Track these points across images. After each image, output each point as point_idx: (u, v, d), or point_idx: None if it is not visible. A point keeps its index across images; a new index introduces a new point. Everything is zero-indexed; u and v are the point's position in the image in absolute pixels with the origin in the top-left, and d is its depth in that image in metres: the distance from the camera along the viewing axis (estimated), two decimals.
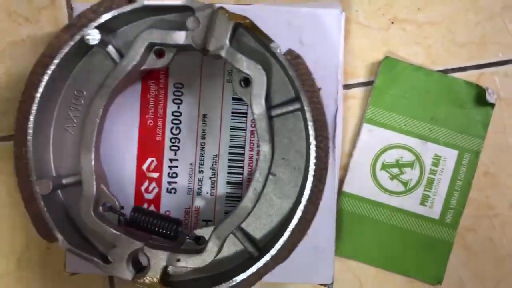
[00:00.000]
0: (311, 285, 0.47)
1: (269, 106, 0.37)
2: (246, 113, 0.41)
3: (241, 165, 0.41)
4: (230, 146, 0.41)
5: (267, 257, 0.36)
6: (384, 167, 0.47)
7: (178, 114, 0.41)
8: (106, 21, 0.36)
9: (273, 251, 0.35)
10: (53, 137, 0.38)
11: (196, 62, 0.41)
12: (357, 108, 0.48)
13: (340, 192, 0.47)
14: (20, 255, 0.47)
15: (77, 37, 0.36)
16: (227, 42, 0.36)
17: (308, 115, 0.35)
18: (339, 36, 0.41)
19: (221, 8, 0.35)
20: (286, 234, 0.35)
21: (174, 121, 0.41)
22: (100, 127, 0.38)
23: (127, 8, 0.36)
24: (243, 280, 0.36)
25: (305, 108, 0.35)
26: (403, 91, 0.47)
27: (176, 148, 0.41)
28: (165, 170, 0.41)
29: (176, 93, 0.41)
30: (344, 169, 0.47)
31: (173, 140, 0.41)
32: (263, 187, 0.37)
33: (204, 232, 0.38)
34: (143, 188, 0.41)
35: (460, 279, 0.47)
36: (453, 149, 0.47)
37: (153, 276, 0.36)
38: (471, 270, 0.47)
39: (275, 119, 0.37)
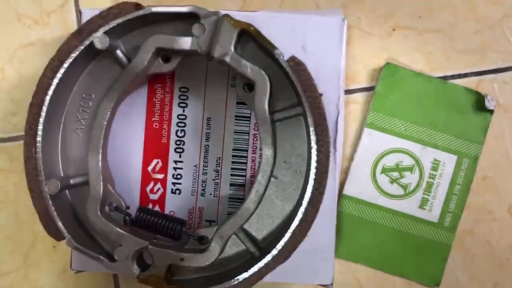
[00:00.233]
0: (311, 285, 0.48)
1: (272, 111, 0.38)
2: (249, 117, 0.42)
3: (244, 167, 0.42)
4: (233, 149, 0.42)
5: (268, 257, 0.36)
6: (384, 170, 0.48)
7: (183, 117, 0.42)
8: (115, 26, 0.37)
9: (274, 252, 0.36)
10: (61, 139, 0.39)
11: (201, 67, 0.42)
12: (358, 113, 0.48)
13: (340, 195, 0.48)
14: (27, 252, 0.48)
15: (86, 42, 0.37)
16: (232, 48, 0.37)
17: (310, 120, 0.36)
18: (341, 43, 0.42)
19: (226, 15, 0.37)
20: (287, 235, 0.36)
21: (179, 124, 0.42)
22: (107, 129, 0.39)
23: (135, 14, 0.37)
24: (245, 279, 0.37)
25: (307, 113, 0.36)
26: (404, 97, 0.48)
27: (181, 150, 0.42)
28: (170, 171, 0.42)
29: (181, 97, 0.42)
30: (345, 173, 0.48)
31: (178, 143, 0.42)
32: (265, 189, 0.38)
33: (207, 232, 0.39)
34: (148, 189, 0.42)
35: (458, 282, 0.48)
36: (452, 154, 0.48)
37: (157, 274, 0.37)
38: (469, 273, 0.48)
39: (277, 124, 0.38)
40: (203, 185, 0.42)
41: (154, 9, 0.37)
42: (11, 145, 0.48)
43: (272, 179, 0.38)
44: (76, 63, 0.37)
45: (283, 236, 0.37)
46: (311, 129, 0.36)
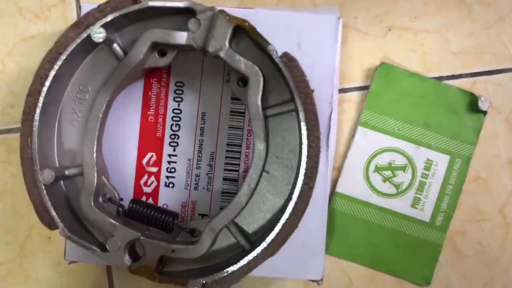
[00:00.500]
0: (302, 280, 0.49)
1: (265, 106, 0.38)
2: (243, 113, 0.43)
3: (237, 162, 0.43)
4: (227, 144, 0.43)
5: (258, 250, 0.37)
6: (377, 169, 0.48)
7: (178, 111, 0.43)
8: (112, 20, 0.37)
9: (264, 245, 0.37)
10: (57, 130, 0.40)
11: (197, 62, 0.43)
12: (353, 112, 0.49)
13: (333, 193, 0.48)
14: (23, 243, 0.49)
15: (84, 35, 0.37)
16: (227, 43, 0.37)
17: (301, 115, 0.37)
18: (336, 42, 0.42)
19: (222, 11, 0.37)
20: (277, 228, 0.37)
21: (174, 118, 0.43)
22: (103, 122, 0.39)
23: (132, 8, 0.37)
24: (234, 271, 0.37)
25: (298, 108, 0.37)
26: (398, 96, 0.48)
27: (175, 144, 0.43)
28: (164, 165, 0.43)
29: (177, 92, 0.43)
30: (338, 170, 0.48)
31: (172, 137, 0.43)
32: (257, 183, 0.38)
33: (199, 225, 0.40)
34: (142, 181, 0.43)
35: (449, 281, 0.48)
36: (445, 154, 0.48)
37: (149, 265, 0.38)
38: (460, 272, 0.49)
39: (270, 119, 0.39)
40: (197, 179, 0.43)
41: (151, 3, 0.37)
42: (9, 137, 0.49)
43: (264, 173, 0.39)
44: (74, 55, 0.38)
45: (272, 229, 0.37)
46: (302, 124, 0.37)
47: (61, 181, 0.40)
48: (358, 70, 0.49)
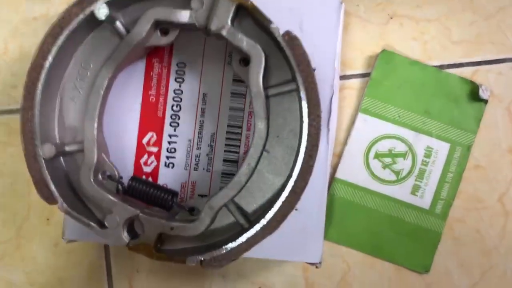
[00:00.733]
0: (301, 264, 0.48)
1: (266, 86, 0.38)
2: (245, 95, 0.43)
3: (238, 144, 0.43)
4: (228, 126, 0.43)
5: (257, 227, 0.37)
6: (377, 156, 0.48)
7: (180, 92, 0.43)
8: None
9: (263, 222, 0.37)
10: (58, 106, 0.40)
11: (199, 43, 0.43)
12: (354, 98, 0.49)
13: (333, 179, 0.48)
14: (21, 224, 0.49)
15: (87, 11, 0.38)
16: (229, 22, 0.37)
17: (302, 94, 0.37)
18: (337, 25, 0.43)
19: None
20: (276, 205, 0.37)
21: (175, 99, 0.43)
22: (104, 99, 0.39)
23: None
24: (233, 248, 0.37)
25: (300, 86, 0.37)
26: (399, 84, 0.48)
27: (176, 124, 0.43)
28: (164, 145, 0.43)
29: (178, 72, 0.43)
30: (338, 157, 0.48)
31: (173, 117, 0.43)
32: (257, 163, 0.38)
33: (198, 203, 0.40)
34: (142, 161, 0.43)
35: (447, 269, 0.48)
36: (446, 142, 0.48)
37: (147, 242, 0.38)
38: (459, 260, 0.48)
39: (271, 99, 0.39)
40: (197, 160, 0.43)
41: None
42: (9, 118, 0.49)
43: (264, 153, 0.39)
44: (76, 32, 0.38)
45: (272, 207, 0.37)
46: (304, 102, 0.37)
47: (61, 158, 0.40)
48: (360, 57, 0.49)
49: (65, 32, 0.38)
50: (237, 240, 0.37)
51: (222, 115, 0.43)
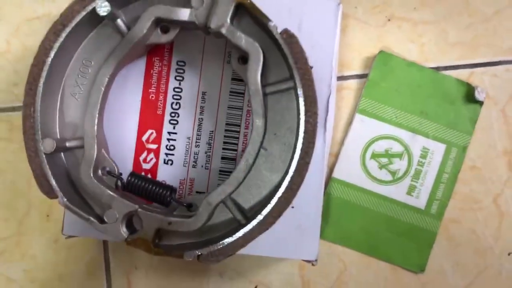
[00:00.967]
0: (297, 262, 0.49)
1: (265, 84, 0.39)
2: (243, 93, 0.44)
3: (236, 142, 0.44)
4: (226, 124, 0.44)
5: (254, 223, 0.37)
6: (374, 156, 0.49)
7: (179, 90, 0.44)
8: None
9: (260, 217, 0.37)
10: (60, 102, 0.40)
11: (199, 42, 0.44)
12: (351, 99, 0.50)
13: (330, 178, 0.49)
14: (21, 220, 0.49)
15: (89, 8, 0.38)
16: (228, 20, 0.38)
17: (299, 91, 0.37)
18: (335, 25, 0.43)
19: None
20: (273, 201, 0.37)
21: (175, 97, 0.44)
22: (104, 96, 0.40)
23: None
24: (230, 243, 0.37)
25: (297, 84, 0.37)
26: (396, 85, 0.49)
27: (175, 122, 0.43)
28: (164, 142, 0.43)
29: (178, 70, 0.44)
30: (335, 156, 0.49)
31: (172, 115, 0.44)
32: (255, 159, 0.39)
33: (196, 200, 0.40)
34: (141, 158, 0.43)
35: (442, 268, 0.49)
36: (441, 143, 0.49)
37: (145, 237, 0.38)
38: (454, 260, 0.49)
39: (269, 96, 0.39)
40: (195, 157, 0.44)
41: None
42: (12, 115, 0.50)
43: (262, 150, 0.39)
44: (78, 29, 0.39)
45: (269, 203, 0.38)
46: (301, 99, 0.38)
47: (62, 153, 0.40)
48: (358, 58, 0.50)
49: (67, 29, 0.38)
50: (234, 236, 0.38)
51: (221, 113, 0.44)
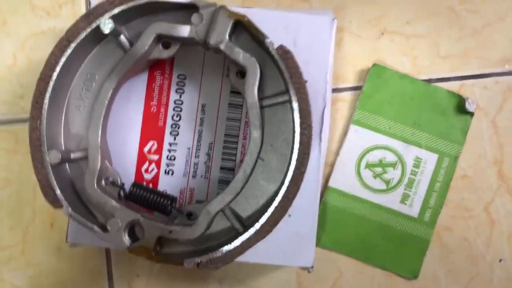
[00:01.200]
0: (294, 269, 0.50)
1: (261, 97, 0.41)
2: (241, 106, 0.45)
3: (234, 152, 0.45)
4: (225, 135, 0.45)
5: (251, 231, 0.39)
6: (368, 166, 0.50)
7: (180, 102, 0.45)
8: (120, 12, 0.40)
9: (257, 226, 0.39)
10: (65, 114, 0.42)
11: (199, 57, 0.45)
12: (346, 110, 0.51)
13: (326, 187, 0.50)
14: (26, 229, 0.51)
15: (93, 25, 0.40)
16: (227, 37, 0.40)
17: (295, 104, 0.39)
18: (330, 40, 0.45)
19: (223, 6, 0.40)
20: (270, 210, 0.39)
21: (176, 109, 0.45)
22: (108, 109, 0.42)
23: (139, 2, 0.40)
24: (228, 251, 0.39)
25: (292, 97, 0.39)
26: (389, 97, 0.50)
27: (176, 133, 0.45)
28: (165, 153, 0.45)
29: (179, 84, 0.45)
30: (331, 166, 0.51)
31: (173, 126, 0.45)
32: (252, 170, 0.41)
33: (196, 209, 0.42)
34: (143, 168, 0.45)
35: (436, 275, 0.50)
36: (434, 152, 0.50)
37: (147, 245, 0.40)
38: (446, 267, 0.50)
39: (266, 109, 0.41)
40: (195, 167, 0.45)
41: None
42: (18, 127, 0.51)
43: (259, 161, 0.41)
44: (83, 44, 0.40)
45: (266, 211, 0.39)
46: (296, 112, 0.39)
47: (67, 164, 0.42)
48: (352, 71, 0.51)
49: (72, 45, 0.40)
50: (232, 244, 0.39)
51: (220, 125, 0.45)
